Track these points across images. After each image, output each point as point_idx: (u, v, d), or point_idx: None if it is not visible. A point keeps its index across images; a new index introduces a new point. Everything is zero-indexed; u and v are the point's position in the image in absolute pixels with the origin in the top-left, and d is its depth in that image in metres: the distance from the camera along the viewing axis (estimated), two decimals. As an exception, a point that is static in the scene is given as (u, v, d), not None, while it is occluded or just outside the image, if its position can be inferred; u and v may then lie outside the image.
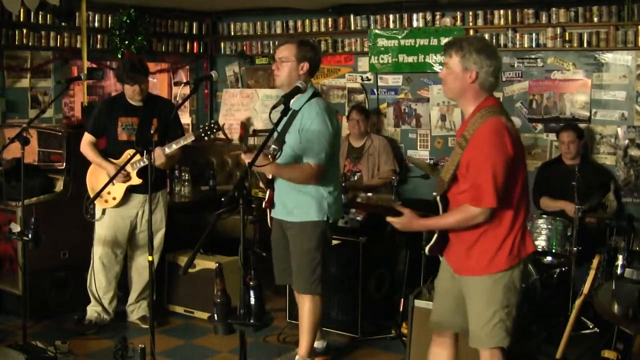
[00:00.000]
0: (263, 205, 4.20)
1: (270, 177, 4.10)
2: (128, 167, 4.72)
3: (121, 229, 4.90)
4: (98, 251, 4.91)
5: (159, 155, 4.53)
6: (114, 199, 4.81)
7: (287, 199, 4.08)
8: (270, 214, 4.22)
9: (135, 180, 4.75)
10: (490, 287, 3.09)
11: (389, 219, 3.15)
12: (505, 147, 2.97)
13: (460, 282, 3.19)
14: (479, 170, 2.98)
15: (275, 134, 4.00)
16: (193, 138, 4.53)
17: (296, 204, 4.05)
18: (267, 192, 4.15)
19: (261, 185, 4.26)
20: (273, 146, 3.91)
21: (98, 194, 4.21)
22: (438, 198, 3.16)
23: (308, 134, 3.93)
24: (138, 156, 4.65)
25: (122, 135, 4.82)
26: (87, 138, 4.88)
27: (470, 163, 3.02)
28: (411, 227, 3.14)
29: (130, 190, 4.82)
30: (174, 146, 4.57)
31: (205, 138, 4.45)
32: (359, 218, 4.76)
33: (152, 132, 4.72)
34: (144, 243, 4.88)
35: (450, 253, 3.23)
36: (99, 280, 4.94)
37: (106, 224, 4.87)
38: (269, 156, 3.86)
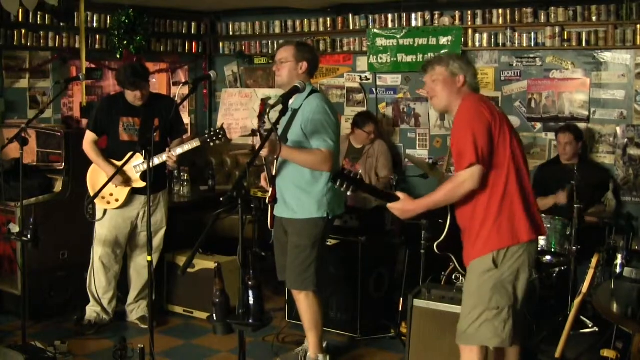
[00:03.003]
0: (267, 201, 4.23)
1: (274, 173, 4.13)
2: (131, 171, 4.72)
3: (122, 230, 4.89)
4: (98, 251, 4.90)
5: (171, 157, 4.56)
6: (117, 200, 4.80)
7: (288, 196, 4.11)
8: (271, 212, 4.24)
9: (139, 183, 4.75)
10: (474, 278, 3.10)
11: (389, 205, 3.18)
12: (482, 114, 3.04)
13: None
14: (459, 139, 3.03)
15: (280, 132, 4.04)
16: (199, 144, 4.53)
17: (297, 201, 4.09)
18: (270, 189, 4.18)
19: (262, 183, 4.27)
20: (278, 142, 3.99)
21: (97, 194, 4.20)
22: None
23: (312, 125, 3.99)
24: (140, 158, 4.64)
25: (124, 136, 4.81)
26: (89, 136, 4.85)
27: (454, 142, 3.08)
28: (408, 209, 3.14)
29: (133, 192, 4.82)
30: (179, 150, 4.57)
31: (211, 144, 4.46)
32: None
33: (152, 132, 4.72)
34: (143, 243, 4.87)
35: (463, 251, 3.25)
36: (99, 281, 4.94)
37: (107, 224, 4.86)
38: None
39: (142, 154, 4.59)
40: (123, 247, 4.98)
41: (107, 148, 4.89)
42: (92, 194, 4.78)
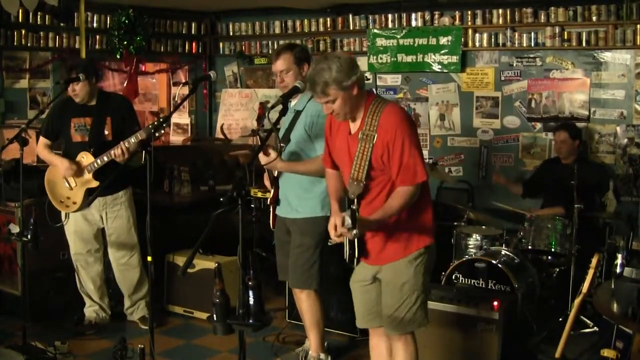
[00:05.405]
0: (268, 202, 4.22)
1: (276, 174, 4.12)
2: (83, 171, 4.67)
3: (87, 231, 4.85)
4: (74, 254, 4.91)
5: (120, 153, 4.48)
6: (74, 203, 4.75)
7: (291, 197, 4.10)
8: (273, 212, 4.24)
9: (92, 183, 4.69)
10: (410, 270, 3.18)
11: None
12: (414, 124, 3.16)
13: (377, 272, 3.28)
14: (403, 151, 3.05)
15: (282, 133, 4.03)
16: (145, 135, 4.46)
17: (300, 201, 4.08)
18: (272, 190, 4.17)
19: (266, 183, 4.26)
20: (281, 144, 3.97)
21: (92, 201, 4.17)
22: (355, 198, 3.15)
23: (316, 128, 3.95)
24: (92, 157, 4.62)
25: (76, 137, 4.74)
26: (41, 141, 4.82)
27: (389, 149, 3.07)
28: (363, 224, 3.04)
29: (89, 193, 4.69)
30: (125, 144, 4.47)
31: (157, 134, 4.39)
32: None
33: (106, 132, 4.69)
34: (116, 246, 4.88)
35: (366, 249, 3.26)
36: (85, 282, 4.95)
37: (72, 227, 4.84)
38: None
39: (91, 154, 4.60)
40: (95, 245, 4.91)
41: (63, 150, 4.83)
42: (50, 198, 4.79)
